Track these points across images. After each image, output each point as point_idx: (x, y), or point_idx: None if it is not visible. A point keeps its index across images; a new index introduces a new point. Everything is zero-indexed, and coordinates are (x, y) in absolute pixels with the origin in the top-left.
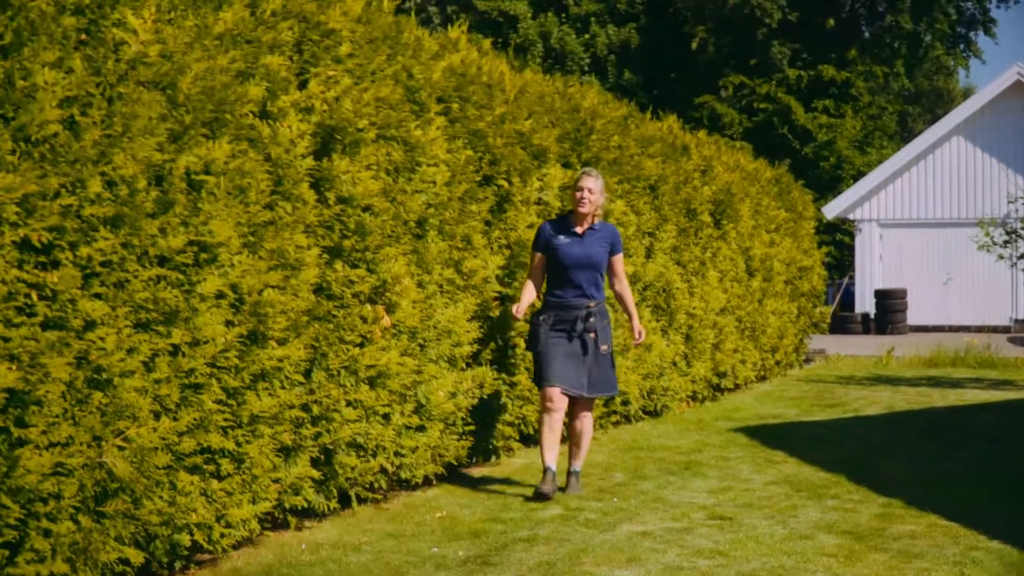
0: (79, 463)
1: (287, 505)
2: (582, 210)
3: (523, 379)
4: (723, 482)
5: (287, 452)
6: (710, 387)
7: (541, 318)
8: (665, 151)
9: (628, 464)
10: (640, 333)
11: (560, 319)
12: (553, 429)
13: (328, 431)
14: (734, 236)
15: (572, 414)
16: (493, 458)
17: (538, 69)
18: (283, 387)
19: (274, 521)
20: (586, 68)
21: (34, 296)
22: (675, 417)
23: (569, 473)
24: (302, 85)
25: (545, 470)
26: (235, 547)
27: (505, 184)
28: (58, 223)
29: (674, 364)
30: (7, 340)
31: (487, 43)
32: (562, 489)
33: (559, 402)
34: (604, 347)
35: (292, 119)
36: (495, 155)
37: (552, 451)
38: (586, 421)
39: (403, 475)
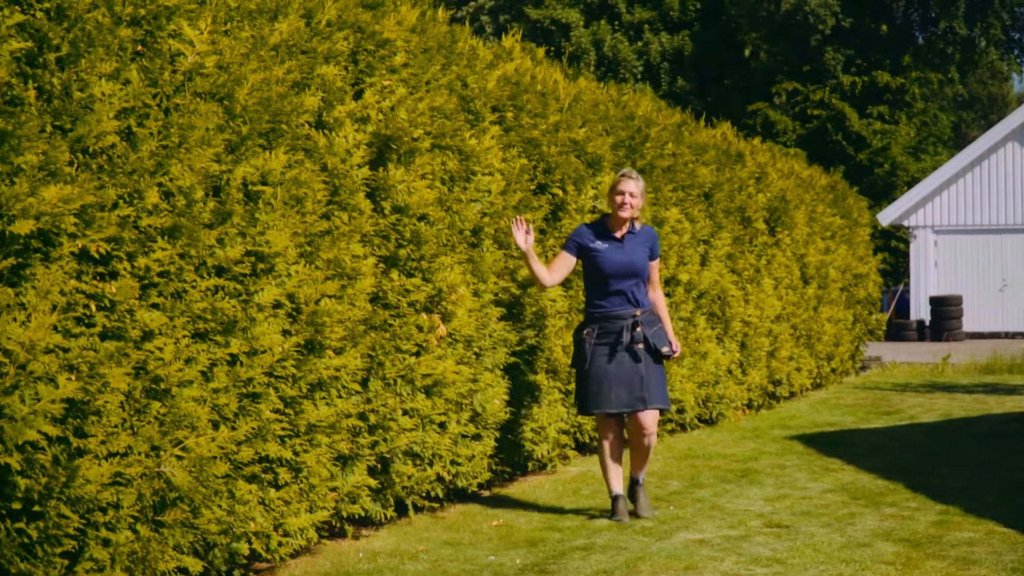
0: (138, 473)
1: (344, 514)
2: (623, 214)
3: None
4: (780, 490)
5: (344, 461)
6: (765, 395)
7: (585, 332)
8: (719, 158)
9: (684, 472)
10: (675, 347)
11: (605, 331)
12: (614, 456)
13: (385, 440)
14: (789, 243)
15: (632, 428)
16: (549, 466)
17: (592, 77)
18: (340, 396)
19: (331, 530)
20: (639, 76)
21: (92, 307)
22: (731, 425)
23: (633, 482)
24: (357, 95)
25: (614, 499)
26: (293, 556)
27: (560, 192)
28: (116, 234)
29: (729, 372)
30: (66, 351)
31: (541, 52)
32: (632, 513)
33: (616, 428)
34: (665, 348)
35: (348, 129)
36: (549, 163)
37: (617, 479)
38: (652, 438)
39: (459, 483)
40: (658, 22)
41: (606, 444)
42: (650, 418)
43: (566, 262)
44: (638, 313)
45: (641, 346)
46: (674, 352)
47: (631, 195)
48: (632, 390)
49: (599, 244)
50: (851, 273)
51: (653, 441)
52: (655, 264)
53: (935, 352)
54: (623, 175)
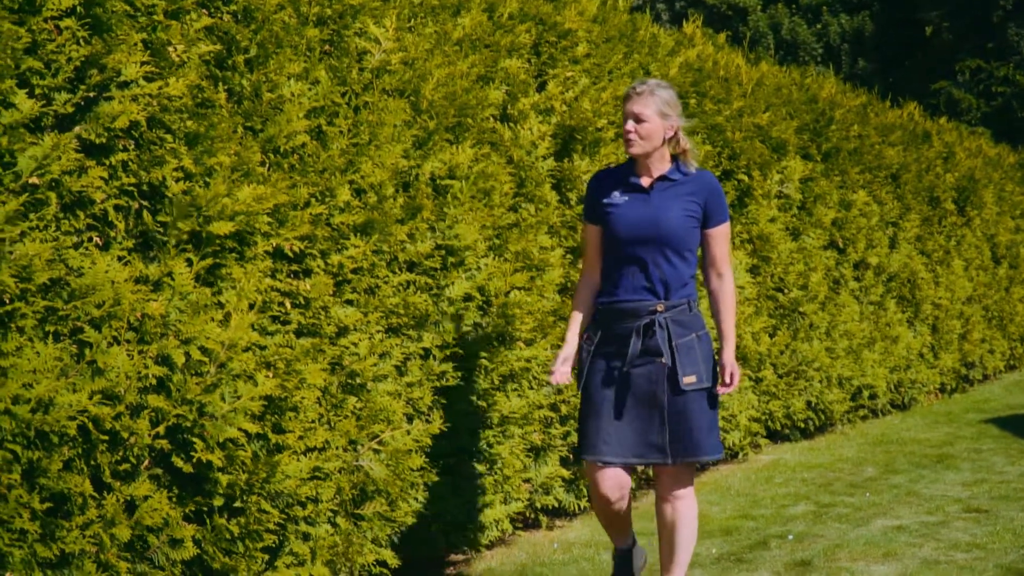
0: (336, 467)
1: (538, 505)
2: (631, 151)
3: (768, 374)
4: (977, 474)
5: (537, 452)
6: (958, 378)
7: (586, 336)
8: (906, 139)
9: (878, 458)
10: (732, 374)
11: (609, 336)
12: (616, 521)
13: (576, 431)
14: (978, 223)
15: (656, 491)
16: (740, 454)
17: (772, 61)
18: (531, 387)
19: (525, 521)
20: (819, 58)
21: (288, 304)
22: (923, 409)
23: None
24: (540, 87)
25: (617, 550)
26: (488, 547)
27: (745, 178)
28: (309, 232)
29: (921, 356)
30: (263, 348)
31: (722, 37)
32: None
33: (612, 488)
34: (689, 379)
35: (532, 121)
36: (734, 149)
37: (624, 535)
38: (680, 504)
39: (651, 473)
40: (836, 3)
41: (599, 510)
42: (677, 477)
43: (595, 239)
44: (659, 308)
45: (663, 360)
46: (724, 386)
47: (636, 119)
48: (641, 432)
49: (615, 197)
50: None
51: (687, 512)
52: (717, 233)
53: None
54: (629, 90)
